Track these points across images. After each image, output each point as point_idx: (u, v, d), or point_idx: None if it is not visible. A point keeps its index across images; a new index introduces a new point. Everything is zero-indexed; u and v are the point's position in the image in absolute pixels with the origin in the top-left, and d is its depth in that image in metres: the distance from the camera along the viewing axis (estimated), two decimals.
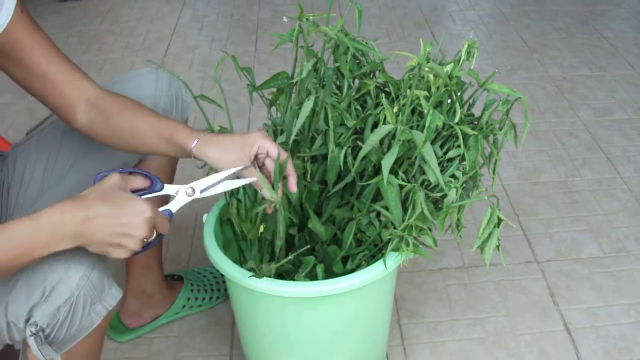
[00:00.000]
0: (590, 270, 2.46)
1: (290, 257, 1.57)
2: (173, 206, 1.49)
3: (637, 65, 3.82)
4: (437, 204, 1.62)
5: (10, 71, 1.56)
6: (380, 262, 1.62)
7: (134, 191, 1.44)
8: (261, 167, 1.59)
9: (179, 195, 1.51)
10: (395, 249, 1.62)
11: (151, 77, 1.85)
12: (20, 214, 1.71)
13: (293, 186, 1.58)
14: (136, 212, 1.35)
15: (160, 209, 1.44)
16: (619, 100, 3.49)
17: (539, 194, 2.83)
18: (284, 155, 1.55)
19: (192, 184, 1.51)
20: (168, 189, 1.50)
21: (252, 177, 1.54)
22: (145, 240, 1.38)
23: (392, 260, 1.62)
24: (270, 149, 1.55)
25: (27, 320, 1.39)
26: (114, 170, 1.43)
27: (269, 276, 1.58)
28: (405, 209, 1.58)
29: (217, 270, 2.26)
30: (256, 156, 1.56)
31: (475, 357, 2.14)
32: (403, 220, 1.56)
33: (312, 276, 1.65)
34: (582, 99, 3.50)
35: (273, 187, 1.55)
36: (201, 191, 1.52)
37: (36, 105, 3.15)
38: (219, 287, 2.32)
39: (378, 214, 1.66)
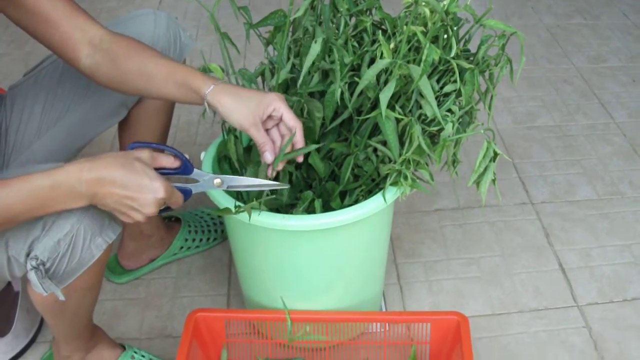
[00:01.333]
0: (584, 212, 2.48)
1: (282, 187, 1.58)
2: (196, 188, 1.51)
3: (631, 14, 3.82)
4: (433, 139, 1.63)
5: (12, 14, 1.55)
6: (378, 196, 1.63)
7: (160, 168, 1.44)
8: (268, 129, 1.58)
9: (207, 182, 1.53)
10: (394, 184, 1.63)
11: (149, 17, 1.84)
12: (19, 155, 1.73)
13: (299, 157, 1.58)
14: (148, 190, 1.35)
15: (182, 185, 1.46)
16: (612, 48, 3.50)
17: (534, 138, 2.84)
18: (298, 127, 1.53)
19: (223, 177, 1.53)
20: (197, 174, 1.52)
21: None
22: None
23: (391, 195, 1.64)
24: (285, 114, 1.52)
25: (28, 255, 1.41)
26: (148, 145, 1.45)
27: (256, 208, 1.59)
28: (402, 144, 1.59)
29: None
30: (268, 117, 1.54)
31: (471, 295, 2.16)
32: (400, 154, 1.57)
33: (310, 211, 1.67)
34: (576, 47, 3.50)
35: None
36: (229, 186, 1.54)
37: (30, 56, 3.16)
38: (216, 229, 2.34)
39: (375, 150, 1.67)
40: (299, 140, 1.54)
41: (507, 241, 2.35)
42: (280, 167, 1.55)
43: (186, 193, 1.47)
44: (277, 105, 1.51)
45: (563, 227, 2.40)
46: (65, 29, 1.56)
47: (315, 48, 1.56)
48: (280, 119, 1.53)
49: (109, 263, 2.19)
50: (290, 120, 1.52)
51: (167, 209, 1.44)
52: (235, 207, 1.58)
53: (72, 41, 1.56)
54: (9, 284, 2.00)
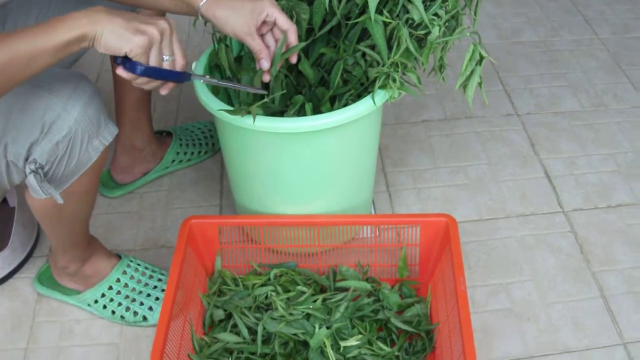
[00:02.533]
0: (569, 122, 2.51)
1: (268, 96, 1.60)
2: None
3: None
4: (420, 43, 1.65)
5: None
6: (367, 99, 1.66)
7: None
8: (263, 35, 1.60)
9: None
10: (383, 87, 1.66)
11: None
12: None
13: (294, 57, 1.61)
14: (158, 18, 1.37)
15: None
16: None
17: (519, 52, 2.86)
18: (292, 29, 1.57)
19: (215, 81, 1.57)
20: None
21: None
22: (164, 57, 1.39)
23: (380, 97, 1.66)
24: (279, 18, 1.55)
25: (27, 159, 1.43)
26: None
27: (247, 111, 1.61)
28: (390, 48, 1.61)
29: (205, 125, 2.31)
30: (262, 23, 1.56)
31: (459, 202, 2.21)
32: (389, 58, 1.60)
33: (301, 115, 1.70)
34: None
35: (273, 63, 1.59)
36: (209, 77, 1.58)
37: None
38: (207, 142, 2.37)
39: (364, 55, 1.69)
40: (293, 41, 1.58)
41: (494, 150, 2.39)
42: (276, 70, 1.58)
43: (186, 76, 1.47)
44: (270, 10, 1.54)
45: (548, 137, 2.44)
46: None
47: None
48: (274, 24, 1.56)
49: (102, 178, 2.22)
50: (284, 23, 1.56)
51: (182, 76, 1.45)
52: (238, 109, 1.61)
53: None
54: (5, 200, 2.03)
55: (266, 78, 1.63)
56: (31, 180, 1.43)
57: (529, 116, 2.53)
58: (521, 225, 2.12)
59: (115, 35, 1.30)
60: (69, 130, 1.42)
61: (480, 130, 2.47)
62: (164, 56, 1.38)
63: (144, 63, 1.35)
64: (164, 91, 1.46)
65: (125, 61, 1.35)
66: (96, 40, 1.29)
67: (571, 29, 3.02)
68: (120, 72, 1.37)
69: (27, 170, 1.42)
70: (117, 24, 1.30)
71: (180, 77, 1.43)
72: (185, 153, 2.30)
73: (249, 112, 1.60)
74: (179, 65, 1.42)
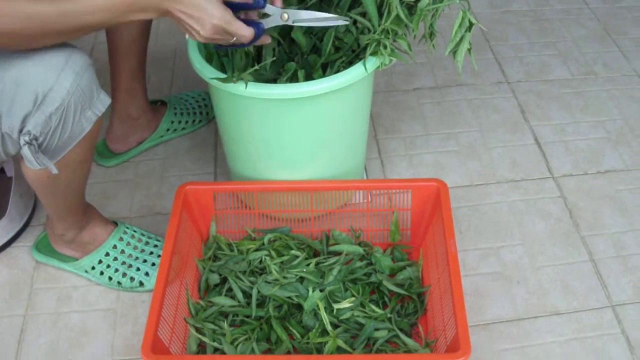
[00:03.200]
0: (559, 90, 2.54)
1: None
2: (267, 23, 1.56)
3: None
4: (411, 11, 1.67)
5: None
6: (359, 65, 1.68)
7: (232, 4, 1.49)
8: None
9: (274, 16, 1.57)
10: (374, 53, 1.68)
11: None
12: None
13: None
14: (207, 13, 1.43)
15: (254, 20, 1.53)
16: None
17: (509, 21, 2.88)
18: None
19: (289, 11, 1.58)
20: (269, 9, 1.56)
21: (343, 20, 1.61)
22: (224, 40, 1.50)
23: (371, 64, 1.69)
24: None
25: (21, 131, 1.44)
26: None
27: (239, 78, 1.64)
28: (381, 15, 1.64)
29: (199, 94, 2.33)
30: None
31: (450, 167, 2.24)
32: (380, 25, 1.62)
33: (293, 82, 1.72)
34: None
35: None
36: (293, 21, 1.59)
37: None
38: (202, 111, 2.39)
39: (355, 22, 1.71)
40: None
41: (484, 117, 2.42)
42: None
43: (258, 28, 1.52)
44: None
45: (538, 105, 2.47)
46: None
47: None
48: None
49: (97, 147, 2.24)
50: None
51: (236, 45, 1.55)
52: (230, 76, 1.64)
53: None
54: (2, 170, 2.05)
55: (266, 40, 1.65)
56: (25, 151, 1.44)
57: (519, 84, 2.56)
58: (511, 191, 2.15)
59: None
60: (62, 102, 1.44)
61: (471, 97, 2.49)
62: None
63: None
64: None
65: None
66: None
67: None
68: None
69: (22, 142, 1.44)
70: (179, 19, 1.48)
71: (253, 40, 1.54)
72: (180, 122, 2.32)
73: (241, 79, 1.62)
74: (246, 40, 1.53)
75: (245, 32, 1.49)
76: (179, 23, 1.47)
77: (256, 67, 1.64)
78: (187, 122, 2.34)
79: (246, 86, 1.63)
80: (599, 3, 3.00)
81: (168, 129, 2.31)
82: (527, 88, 2.54)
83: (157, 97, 2.42)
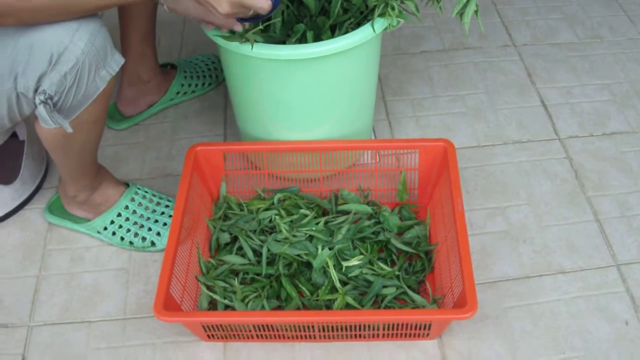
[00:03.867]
0: (565, 53, 2.55)
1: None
2: None
3: None
4: None
5: None
6: (367, 26, 1.70)
7: None
8: None
9: None
10: (382, 15, 1.70)
11: None
12: None
13: None
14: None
15: None
16: None
17: None
18: None
19: None
20: None
21: None
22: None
23: (379, 25, 1.70)
24: None
25: (36, 90, 1.47)
26: None
27: (246, 39, 1.67)
28: None
29: (209, 58, 2.35)
30: None
31: (457, 129, 2.26)
32: None
33: (302, 43, 1.74)
34: None
35: None
36: None
37: None
38: (211, 74, 2.41)
39: None
40: None
41: (491, 79, 2.43)
42: None
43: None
44: None
45: (545, 67, 2.48)
46: None
47: None
48: None
49: (108, 110, 2.26)
50: None
51: (257, 17, 1.57)
52: (235, 36, 1.66)
53: None
54: (15, 134, 2.07)
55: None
56: (41, 110, 1.47)
57: (525, 47, 2.57)
58: (518, 152, 2.17)
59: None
60: (77, 61, 1.46)
61: (477, 60, 2.51)
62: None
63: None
64: None
65: None
66: None
67: None
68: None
69: (37, 101, 1.46)
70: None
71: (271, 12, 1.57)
72: (190, 85, 2.35)
73: (246, 39, 1.64)
74: (265, 11, 1.54)
75: (262, 4, 1.50)
76: (197, 3, 1.50)
77: (260, 26, 1.65)
78: (197, 85, 2.36)
79: (252, 47, 1.64)
80: None
81: (178, 92, 2.33)
82: (533, 51, 2.55)
83: (167, 60, 2.44)
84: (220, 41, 1.69)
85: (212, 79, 2.40)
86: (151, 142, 2.24)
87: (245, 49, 1.66)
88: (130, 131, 2.28)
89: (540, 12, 2.73)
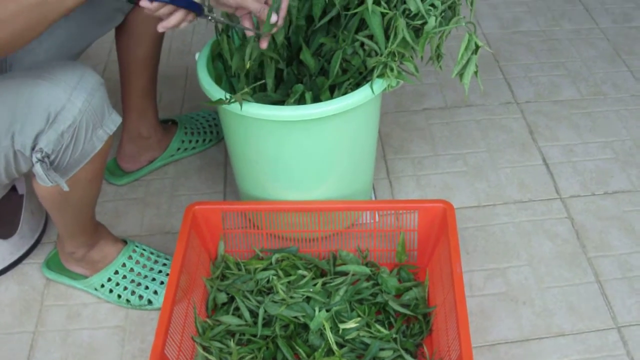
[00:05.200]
0: (568, 111, 2.55)
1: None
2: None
3: None
4: (417, 33, 1.69)
5: None
6: (366, 87, 1.70)
7: None
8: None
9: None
10: (381, 76, 1.70)
11: None
12: (22, 60, 1.77)
13: (281, 20, 1.63)
14: None
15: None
16: None
17: (519, 42, 2.90)
18: None
19: None
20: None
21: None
22: None
23: (378, 86, 1.71)
24: None
25: (33, 148, 1.46)
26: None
27: (247, 98, 1.66)
28: (387, 38, 1.65)
29: (210, 114, 2.35)
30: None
31: (458, 188, 2.25)
32: (386, 48, 1.64)
33: (301, 104, 1.74)
34: None
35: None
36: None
37: None
38: (212, 130, 2.41)
39: (362, 44, 1.73)
40: (284, 7, 1.62)
41: (493, 138, 2.43)
42: (280, 22, 1.62)
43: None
44: None
45: (547, 125, 2.48)
46: None
47: None
48: None
49: (108, 166, 2.27)
50: None
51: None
52: (226, 97, 1.65)
53: None
54: (14, 188, 2.06)
55: (263, 45, 1.67)
56: (38, 168, 1.46)
57: (528, 104, 2.57)
58: (519, 212, 2.16)
59: None
60: (74, 121, 1.46)
61: (479, 118, 2.50)
62: None
63: None
64: (183, 24, 1.49)
65: None
66: None
67: (571, 18, 3.05)
68: (144, 3, 1.42)
69: (34, 159, 1.46)
70: None
71: (197, 7, 1.48)
72: (190, 141, 2.35)
73: (234, 101, 1.64)
74: None
75: None
76: None
77: (245, 90, 1.63)
78: (197, 141, 2.36)
79: (241, 107, 1.65)
80: (609, 23, 3.02)
81: (179, 148, 2.33)
82: (535, 108, 2.55)
83: (168, 116, 2.44)
84: (210, 104, 1.69)
85: (212, 135, 2.40)
86: (151, 199, 2.24)
87: (243, 109, 1.65)
88: (130, 187, 2.28)
89: (543, 69, 2.74)
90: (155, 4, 1.42)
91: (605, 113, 2.54)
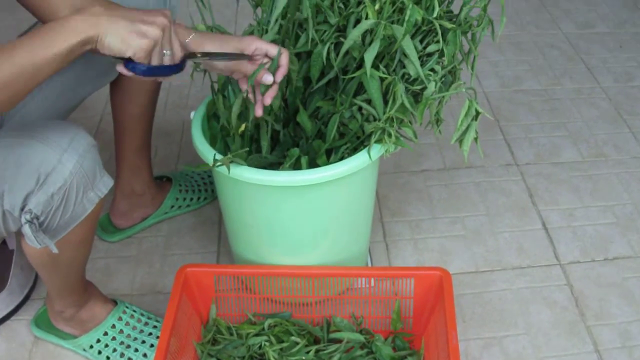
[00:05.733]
0: (568, 173, 2.53)
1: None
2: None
3: None
4: (416, 98, 1.67)
5: None
6: (363, 153, 1.67)
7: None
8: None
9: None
10: (378, 141, 1.67)
11: None
12: (13, 116, 1.75)
13: (278, 76, 1.60)
14: (156, 13, 1.36)
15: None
16: (600, 14, 3.54)
17: (520, 101, 2.88)
18: (284, 51, 1.58)
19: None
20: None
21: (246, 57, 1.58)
22: (164, 53, 1.39)
23: (375, 152, 1.68)
24: (269, 48, 1.56)
25: (22, 209, 1.43)
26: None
27: (237, 161, 1.64)
28: (386, 102, 1.63)
29: (205, 172, 2.33)
30: (252, 58, 1.58)
31: (455, 253, 2.21)
32: (384, 113, 1.62)
33: (297, 168, 1.71)
34: (564, 12, 3.54)
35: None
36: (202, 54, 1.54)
37: (22, 23, 3.18)
38: (207, 188, 2.38)
39: (360, 108, 1.71)
40: (284, 63, 1.59)
41: (492, 201, 2.40)
42: (278, 78, 1.60)
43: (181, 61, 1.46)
44: (258, 44, 1.56)
45: (547, 188, 2.45)
46: None
47: None
48: (265, 56, 1.58)
49: (101, 222, 2.24)
50: (275, 49, 1.57)
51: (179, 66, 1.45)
52: (215, 160, 1.63)
53: (54, 4, 1.59)
54: (4, 242, 2.04)
55: (259, 113, 1.65)
56: (26, 229, 1.43)
57: (528, 166, 2.55)
58: (517, 278, 2.13)
59: (119, 39, 1.31)
60: (64, 183, 1.43)
61: (479, 180, 2.48)
62: (164, 51, 1.39)
63: (145, 63, 1.37)
64: (169, 80, 1.47)
65: (128, 61, 1.36)
66: (99, 42, 1.31)
67: (573, 77, 3.04)
68: (121, 69, 1.39)
69: (23, 220, 1.43)
70: (120, 27, 1.31)
71: (179, 68, 1.45)
72: (185, 199, 2.32)
73: (221, 164, 1.62)
74: (177, 57, 1.43)
75: (178, 52, 1.43)
76: (116, 36, 1.32)
77: (229, 156, 1.61)
78: (191, 199, 2.33)
79: (229, 171, 1.63)
80: (611, 82, 3.01)
81: (172, 206, 2.30)
82: (536, 171, 2.52)
83: (163, 170, 2.42)
84: (202, 167, 1.67)
85: (207, 193, 2.37)
86: (143, 257, 2.21)
87: (235, 172, 1.63)
88: (122, 244, 2.25)
89: (544, 129, 2.72)
90: (130, 73, 1.40)
91: (606, 176, 2.52)
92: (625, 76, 3.05)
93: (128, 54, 1.33)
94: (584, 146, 2.65)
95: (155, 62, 1.38)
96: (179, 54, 1.43)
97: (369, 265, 2.15)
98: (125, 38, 1.32)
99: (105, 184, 1.53)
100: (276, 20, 1.69)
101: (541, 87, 2.96)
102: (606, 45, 3.26)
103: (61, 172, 1.42)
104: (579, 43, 3.28)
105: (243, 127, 1.73)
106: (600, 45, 3.27)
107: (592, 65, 3.12)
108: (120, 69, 1.39)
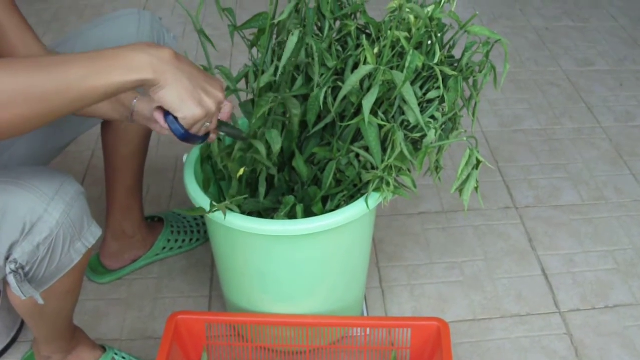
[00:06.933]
0: (568, 217, 2.49)
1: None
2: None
3: (620, 17, 3.84)
4: (416, 145, 1.63)
5: None
6: (360, 202, 1.63)
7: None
8: None
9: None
10: (376, 189, 1.63)
11: (134, 17, 1.84)
12: (0, 155, 1.71)
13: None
14: (216, 85, 1.33)
15: None
16: (600, 52, 3.52)
17: (519, 141, 2.85)
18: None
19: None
20: None
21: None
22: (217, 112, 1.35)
23: (373, 200, 1.64)
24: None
25: (7, 258, 1.39)
26: None
27: (231, 209, 1.59)
28: (384, 150, 1.59)
29: None
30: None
31: (453, 300, 2.17)
32: (383, 161, 1.58)
33: (291, 216, 1.67)
34: (563, 49, 3.52)
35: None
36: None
37: None
38: (199, 230, 2.34)
39: (357, 155, 1.67)
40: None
41: (491, 245, 2.36)
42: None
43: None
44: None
45: (547, 232, 2.41)
46: (14, 41, 1.57)
47: (293, 40, 1.54)
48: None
49: (91, 263, 2.19)
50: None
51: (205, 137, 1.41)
52: (210, 206, 1.59)
53: (17, 53, 1.57)
54: None
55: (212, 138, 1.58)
56: (11, 280, 1.39)
57: (527, 209, 2.51)
58: (516, 326, 2.08)
59: (177, 97, 1.26)
60: (51, 233, 1.39)
61: (477, 224, 2.44)
62: (207, 123, 1.35)
63: (186, 129, 1.33)
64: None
65: (168, 114, 1.32)
66: (154, 88, 1.24)
67: (573, 116, 3.01)
68: (159, 118, 1.35)
69: (7, 270, 1.39)
70: (182, 87, 1.26)
71: (206, 137, 1.42)
72: (177, 241, 2.28)
73: (217, 210, 1.58)
74: (212, 129, 1.39)
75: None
76: (181, 86, 1.27)
77: (227, 202, 1.57)
78: (184, 240, 2.29)
79: (225, 217, 1.58)
80: (611, 122, 2.98)
81: (164, 248, 2.26)
82: (535, 214, 2.48)
83: (155, 209, 2.39)
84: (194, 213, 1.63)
85: (200, 235, 2.33)
86: (133, 300, 2.16)
87: (229, 220, 1.59)
88: (113, 286, 2.20)
89: (544, 171, 2.68)
90: (164, 127, 1.36)
91: (606, 219, 2.48)
92: (625, 115, 3.02)
93: (178, 114, 1.29)
94: (584, 188, 2.61)
95: (195, 130, 1.34)
96: (214, 126, 1.39)
97: (365, 312, 2.10)
98: (184, 99, 1.27)
99: (93, 234, 1.49)
100: (272, 61, 1.66)
101: (541, 127, 2.93)
102: (606, 84, 3.24)
103: (48, 221, 1.38)
104: (579, 81, 3.25)
105: (242, 171, 1.68)
106: (600, 83, 3.24)
107: (592, 104, 3.09)
108: (159, 117, 1.35)
